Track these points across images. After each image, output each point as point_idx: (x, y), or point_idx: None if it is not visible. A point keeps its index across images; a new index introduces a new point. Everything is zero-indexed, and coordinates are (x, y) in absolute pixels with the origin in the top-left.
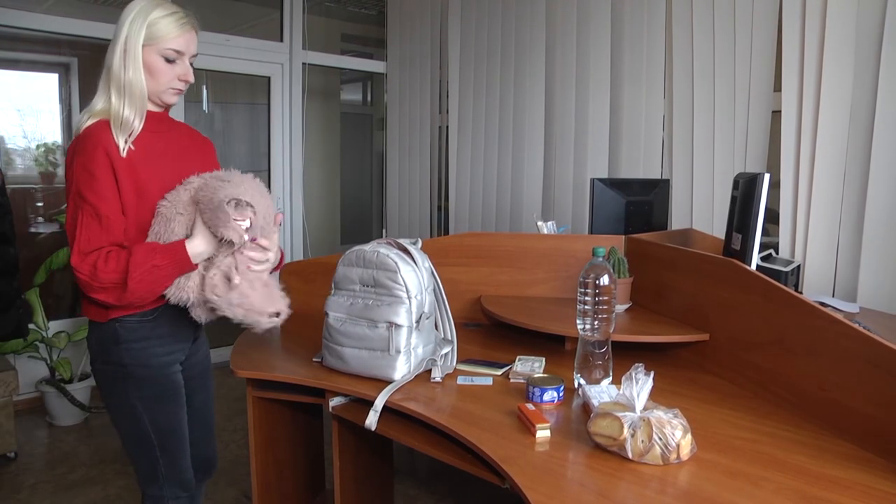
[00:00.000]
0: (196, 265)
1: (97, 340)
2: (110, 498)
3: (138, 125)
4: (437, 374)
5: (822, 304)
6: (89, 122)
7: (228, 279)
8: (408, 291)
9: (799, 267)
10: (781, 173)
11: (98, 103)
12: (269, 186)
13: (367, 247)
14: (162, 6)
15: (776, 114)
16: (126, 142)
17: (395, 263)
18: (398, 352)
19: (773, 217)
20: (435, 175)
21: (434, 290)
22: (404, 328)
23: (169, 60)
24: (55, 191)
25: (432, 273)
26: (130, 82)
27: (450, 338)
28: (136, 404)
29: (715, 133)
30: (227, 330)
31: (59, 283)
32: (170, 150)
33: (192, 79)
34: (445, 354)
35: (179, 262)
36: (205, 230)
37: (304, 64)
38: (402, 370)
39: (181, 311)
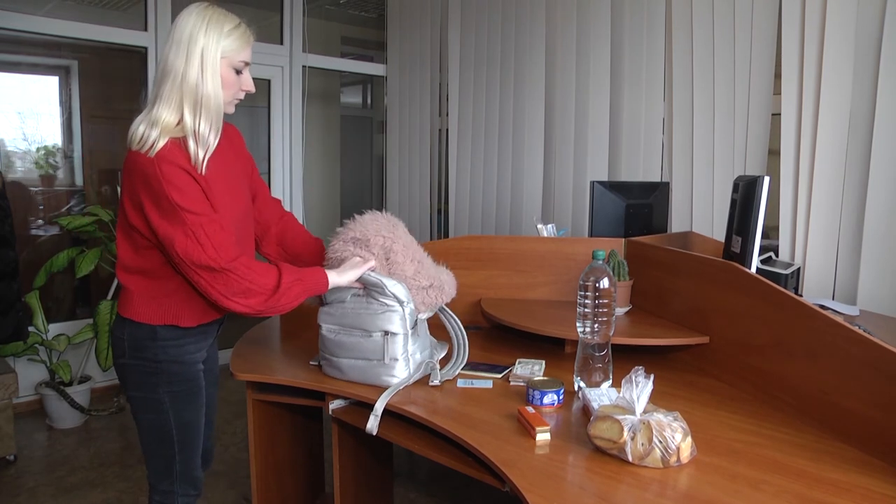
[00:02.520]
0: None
1: (131, 336)
2: (110, 501)
3: (213, 141)
4: (435, 379)
5: (822, 306)
6: (162, 142)
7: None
8: (399, 301)
9: (799, 270)
10: (781, 176)
11: (164, 114)
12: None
13: None
14: (227, 17)
15: (776, 116)
16: (204, 159)
17: (380, 279)
18: (395, 359)
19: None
20: (435, 178)
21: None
22: (400, 335)
23: (238, 72)
24: (55, 193)
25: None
26: (209, 96)
27: (461, 341)
28: (164, 399)
29: (715, 136)
30: (227, 333)
31: (59, 285)
32: (223, 156)
33: (253, 89)
34: (455, 359)
35: (319, 288)
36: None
37: (304, 67)
38: (401, 376)
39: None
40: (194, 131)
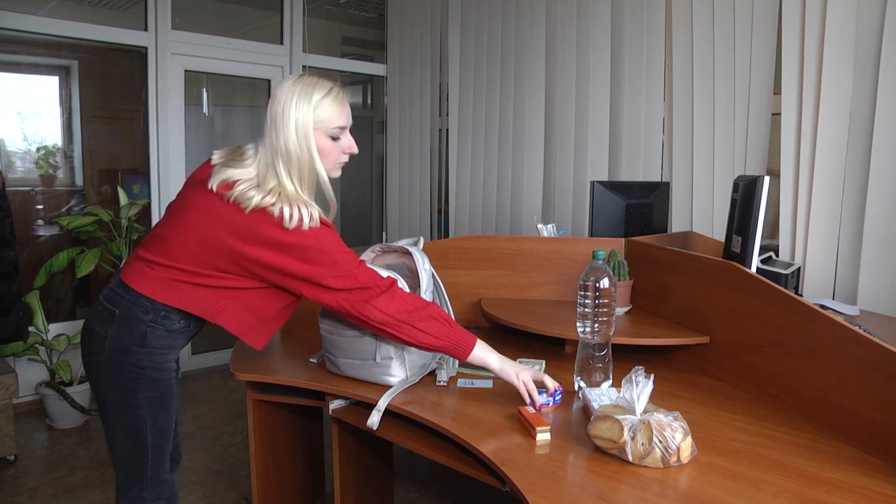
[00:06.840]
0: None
1: (117, 336)
2: (110, 501)
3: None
4: (443, 378)
5: (823, 306)
6: (295, 211)
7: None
8: None
9: (799, 269)
10: (781, 176)
11: (277, 183)
12: None
13: None
14: (318, 85)
15: (776, 116)
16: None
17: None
18: (389, 358)
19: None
20: (435, 178)
21: (434, 291)
22: None
23: (334, 139)
24: (55, 193)
25: (432, 275)
26: (310, 168)
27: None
28: (142, 404)
29: (715, 136)
30: (227, 332)
31: (59, 285)
32: None
33: (356, 150)
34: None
35: (460, 350)
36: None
37: (304, 66)
38: (398, 376)
39: (198, 325)
40: (298, 199)
